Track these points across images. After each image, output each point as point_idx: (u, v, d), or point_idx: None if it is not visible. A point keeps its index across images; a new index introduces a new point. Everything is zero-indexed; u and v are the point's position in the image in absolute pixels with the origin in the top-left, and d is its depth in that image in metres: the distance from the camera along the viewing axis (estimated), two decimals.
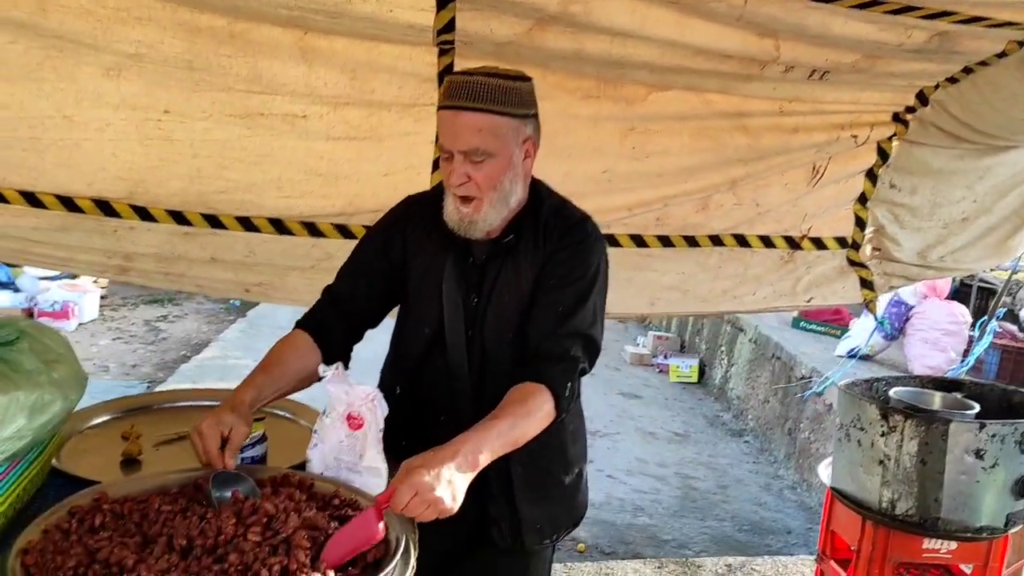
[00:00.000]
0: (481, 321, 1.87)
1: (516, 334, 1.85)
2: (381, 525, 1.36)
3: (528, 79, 1.82)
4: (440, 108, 1.79)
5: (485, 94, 1.71)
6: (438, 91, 2.45)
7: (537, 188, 1.93)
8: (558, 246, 1.85)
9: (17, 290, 7.76)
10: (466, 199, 1.77)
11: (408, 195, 2.05)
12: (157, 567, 1.18)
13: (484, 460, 1.57)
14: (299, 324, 1.90)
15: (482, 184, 1.74)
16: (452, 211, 1.80)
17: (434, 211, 1.89)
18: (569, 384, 1.77)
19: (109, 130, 2.23)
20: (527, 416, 1.68)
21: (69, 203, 2.29)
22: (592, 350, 1.84)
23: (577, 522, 2.09)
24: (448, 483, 1.47)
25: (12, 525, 1.39)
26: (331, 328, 1.89)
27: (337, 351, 1.87)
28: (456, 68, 2.40)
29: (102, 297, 8.56)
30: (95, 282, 8.16)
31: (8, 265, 7.43)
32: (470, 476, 1.53)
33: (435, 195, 1.93)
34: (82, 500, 1.38)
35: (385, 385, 2.00)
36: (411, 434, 1.86)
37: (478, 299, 1.87)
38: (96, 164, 2.25)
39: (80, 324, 7.88)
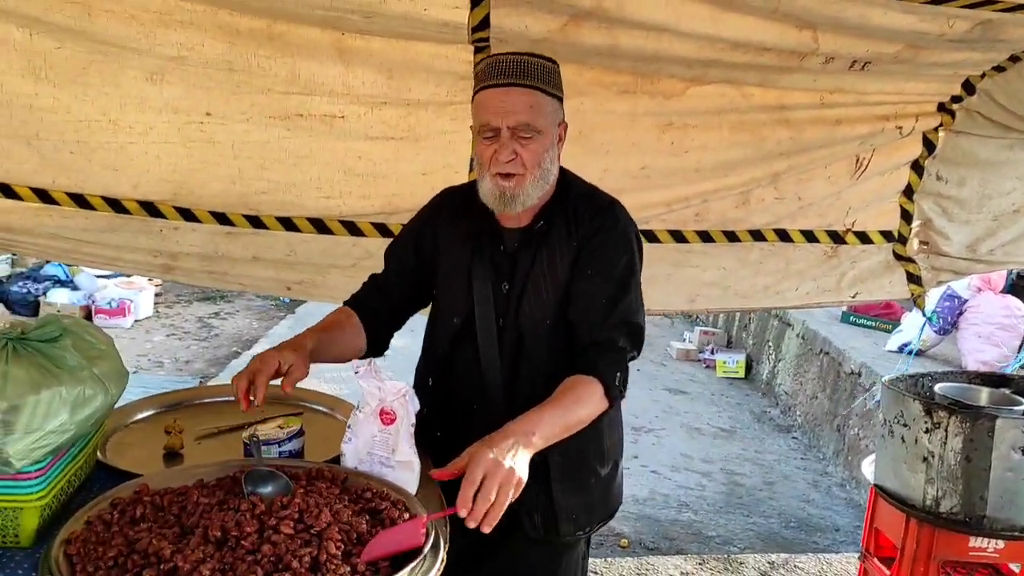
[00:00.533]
0: (515, 310, 1.89)
1: (554, 322, 1.87)
2: (423, 532, 1.37)
3: (555, 62, 1.88)
4: (484, 88, 1.81)
5: (533, 72, 1.78)
6: (474, 89, 2.47)
7: (564, 175, 1.97)
8: (590, 231, 1.87)
9: (76, 288, 7.99)
10: (507, 175, 1.79)
11: (444, 188, 2.12)
12: (193, 557, 1.21)
13: (538, 443, 1.61)
14: (347, 303, 2.02)
15: (528, 161, 1.78)
16: (491, 188, 1.81)
17: (465, 202, 1.97)
18: (618, 373, 1.80)
19: (153, 133, 2.29)
20: (578, 404, 1.72)
21: (116, 204, 2.37)
22: (637, 337, 1.87)
23: (612, 514, 2.09)
24: (513, 457, 1.51)
25: (58, 516, 1.44)
26: (375, 311, 2.00)
27: (380, 334, 2.00)
28: None
29: (157, 295, 8.77)
30: (150, 280, 8.36)
31: (67, 264, 7.67)
32: (529, 454, 1.56)
33: (469, 186, 1.98)
34: (124, 492, 1.42)
35: (418, 379, 2.06)
36: (445, 425, 1.92)
37: (510, 287, 1.90)
38: (141, 166, 2.32)
39: (136, 321, 8.09)
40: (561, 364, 1.83)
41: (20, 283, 7.86)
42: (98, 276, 8.07)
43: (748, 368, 7.91)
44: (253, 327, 8.48)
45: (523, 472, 1.52)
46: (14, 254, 7.72)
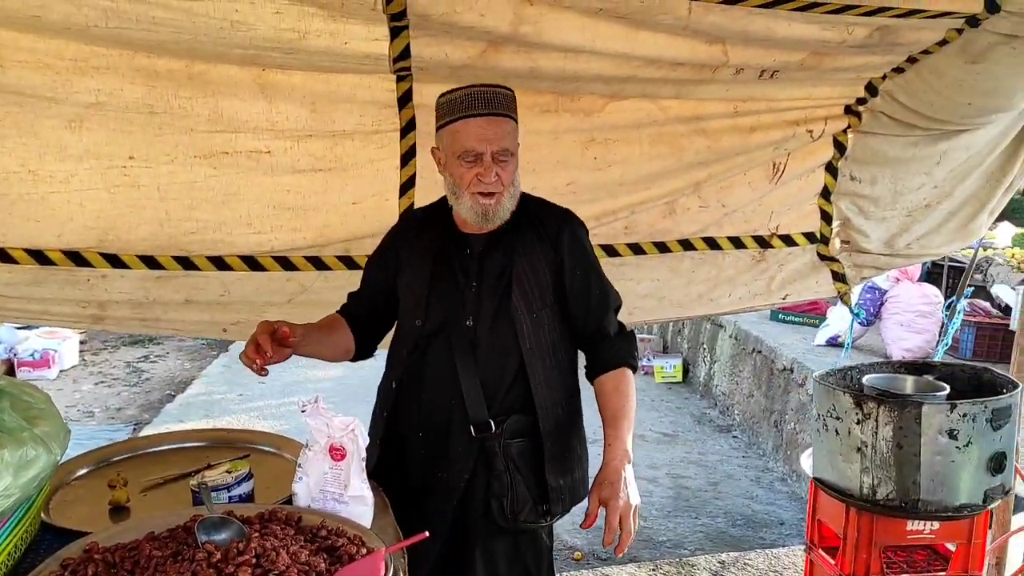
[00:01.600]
0: (493, 307, 2.07)
1: (539, 315, 2.09)
2: (382, 566, 1.38)
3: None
4: (461, 118, 2.00)
5: (505, 103, 2.03)
6: (399, 116, 2.49)
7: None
8: (557, 231, 2.13)
9: None
10: (488, 194, 2.01)
11: (408, 209, 2.43)
12: None
13: (630, 455, 1.97)
14: (338, 312, 2.26)
15: (505, 180, 2.02)
16: (473, 206, 2.03)
17: (425, 218, 2.21)
18: (634, 351, 2.19)
19: (75, 180, 2.24)
20: (630, 398, 2.08)
21: (39, 256, 2.31)
22: (619, 314, 2.23)
23: (585, 496, 2.19)
24: (630, 489, 1.90)
25: None
26: (360, 319, 2.23)
27: (366, 338, 2.25)
28: (415, 94, 2.44)
29: (81, 343, 8.51)
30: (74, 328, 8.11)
31: None
32: (631, 471, 1.94)
33: (431, 206, 2.25)
34: (74, 552, 1.39)
35: (383, 386, 2.22)
36: (424, 425, 2.09)
37: (477, 286, 2.08)
38: (64, 215, 2.27)
39: (61, 371, 7.83)
40: (544, 354, 2.09)
41: None
42: (18, 328, 7.79)
43: (685, 372, 8.06)
44: (185, 368, 8.29)
45: (637, 497, 1.91)
46: None
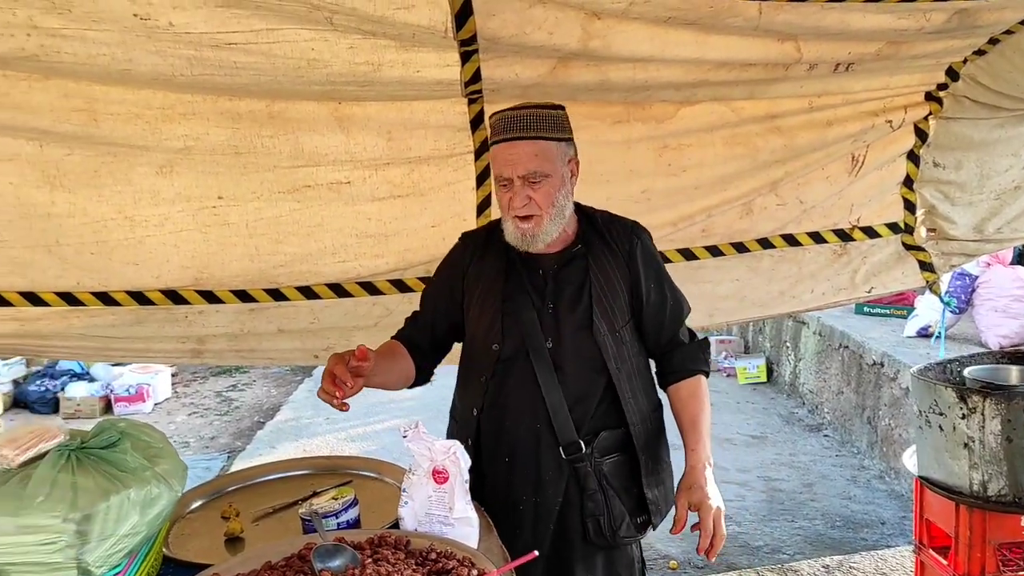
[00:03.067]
0: (573, 326, 2.04)
1: (621, 331, 2.08)
2: None
3: (562, 107, 2.08)
4: (493, 143, 2.03)
5: (533, 124, 1.99)
6: (472, 139, 2.52)
7: (580, 205, 2.19)
8: (630, 246, 2.11)
9: (92, 379, 8.02)
10: (526, 217, 2.00)
11: (464, 232, 2.30)
12: None
13: (711, 460, 2.01)
14: (394, 337, 2.21)
15: (541, 202, 1.98)
16: (513, 230, 2.03)
17: (488, 239, 2.18)
18: (707, 357, 2.19)
19: (168, 223, 2.34)
20: (706, 403, 2.11)
21: (140, 297, 2.40)
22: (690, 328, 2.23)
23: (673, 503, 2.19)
24: (717, 493, 1.93)
25: None
26: (418, 345, 2.19)
27: (424, 364, 2.19)
28: (486, 115, 2.47)
29: (173, 375, 8.78)
30: None
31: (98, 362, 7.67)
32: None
33: (488, 228, 2.24)
34: None
35: (460, 414, 2.21)
36: (511, 450, 2.07)
37: (554, 306, 2.06)
38: (161, 257, 2.36)
39: (156, 404, 8.09)
40: (629, 371, 2.09)
41: (37, 382, 7.88)
42: (113, 365, 8.09)
43: (769, 372, 7.90)
44: (272, 395, 8.48)
45: (721, 500, 1.93)
46: (48, 360, 7.76)
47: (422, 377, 2.21)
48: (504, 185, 2.01)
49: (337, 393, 1.78)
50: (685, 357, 2.16)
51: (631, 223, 2.19)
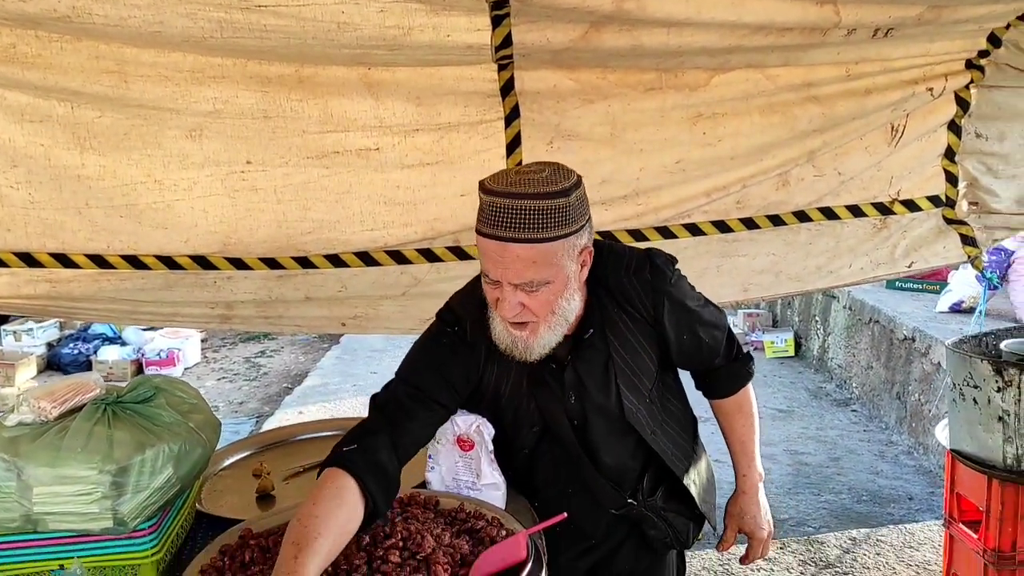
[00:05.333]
0: (597, 410, 1.83)
1: (650, 399, 1.89)
2: (525, 547, 1.40)
3: (577, 181, 1.64)
4: (480, 234, 1.62)
5: (533, 222, 1.54)
6: (502, 105, 2.49)
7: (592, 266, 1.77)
8: (653, 299, 1.79)
9: (124, 343, 8.15)
10: (519, 324, 1.65)
11: (448, 304, 1.87)
12: None
13: (762, 473, 2.03)
14: (346, 464, 1.52)
15: (538, 310, 1.62)
16: (503, 335, 1.67)
17: (486, 314, 1.75)
18: (750, 366, 2.03)
19: (197, 188, 2.34)
20: (754, 415, 2.03)
21: (169, 262, 2.41)
22: (731, 334, 2.02)
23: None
24: (766, 512, 2.02)
25: (171, 568, 1.49)
26: (383, 469, 1.54)
27: (389, 495, 1.55)
28: (517, 80, 2.44)
29: (202, 341, 8.90)
30: None
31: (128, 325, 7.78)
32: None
33: (481, 302, 1.75)
34: (230, 539, 1.46)
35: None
36: (542, 504, 1.88)
37: (576, 397, 1.81)
38: (189, 221, 2.36)
39: (186, 369, 8.22)
40: (663, 424, 1.93)
41: (71, 345, 8.03)
42: (144, 330, 8.21)
43: (797, 346, 7.85)
44: (300, 361, 8.57)
45: (771, 518, 2.04)
46: (81, 322, 7.88)
47: (375, 517, 1.52)
48: (491, 284, 1.63)
49: None
50: (727, 377, 2.01)
51: (649, 274, 1.79)
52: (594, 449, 1.84)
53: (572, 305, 1.68)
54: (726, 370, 2.00)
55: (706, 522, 2.10)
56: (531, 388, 1.79)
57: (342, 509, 1.42)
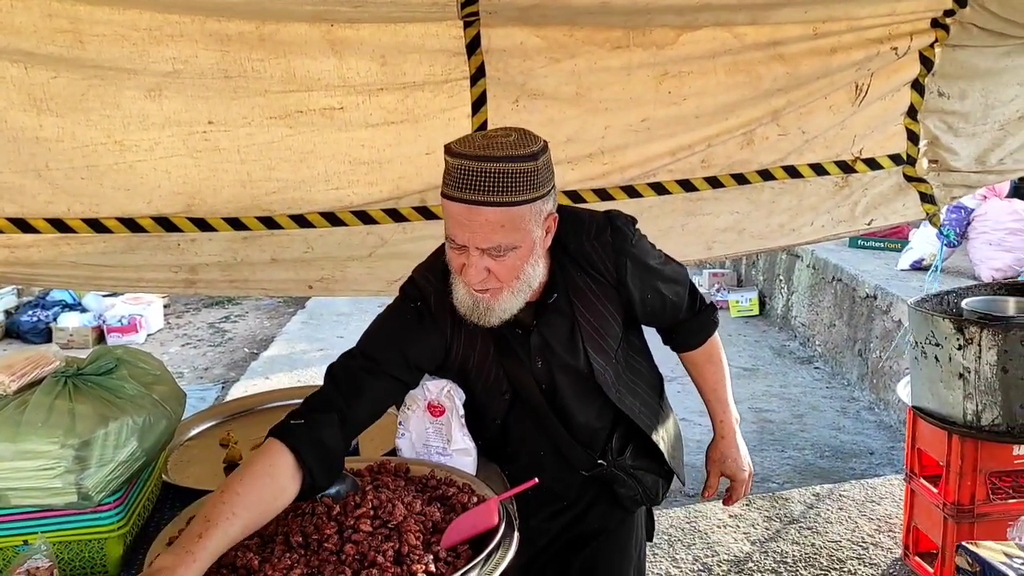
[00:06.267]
0: (565, 373, 1.83)
1: (617, 360, 1.89)
2: (497, 513, 1.40)
3: (543, 147, 1.62)
4: (446, 197, 1.58)
5: (500, 184, 1.52)
6: (468, 64, 2.46)
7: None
8: (615, 259, 1.78)
9: (84, 310, 8.01)
10: (483, 289, 1.63)
11: (412, 278, 1.83)
12: (281, 565, 1.24)
13: (738, 418, 2.10)
14: (286, 438, 1.51)
15: (503, 276, 1.60)
16: (465, 298, 1.65)
17: (448, 283, 1.72)
18: (714, 316, 2.07)
19: (159, 148, 2.29)
20: (723, 363, 2.09)
21: (131, 224, 2.36)
22: (694, 287, 2.03)
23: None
24: (746, 456, 2.08)
25: (138, 541, 1.47)
26: (324, 445, 1.52)
27: (331, 470, 1.53)
28: (483, 38, 2.41)
29: (165, 306, 8.77)
30: None
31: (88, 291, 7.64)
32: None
33: (444, 272, 1.73)
34: (198, 509, 1.45)
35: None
36: (515, 470, 1.88)
37: (542, 361, 1.80)
38: (152, 182, 2.32)
39: (149, 335, 8.11)
40: (631, 383, 1.94)
41: (29, 312, 7.87)
42: (105, 296, 8.08)
43: (762, 304, 7.94)
44: (265, 326, 8.50)
45: (750, 461, 2.11)
46: (39, 288, 7.71)
47: (312, 491, 1.50)
48: (456, 248, 1.60)
49: None
50: (692, 330, 2.04)
51: (610, 240, 1.78)
52: (564, 411, 1.85)
53: (536, 271, 1.67)
54: (691, 323, 2.03)
55: (675, 478, 2.11)
56: (498, 355, 1.78)
57: (269, 488, 1.41)
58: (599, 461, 1.92)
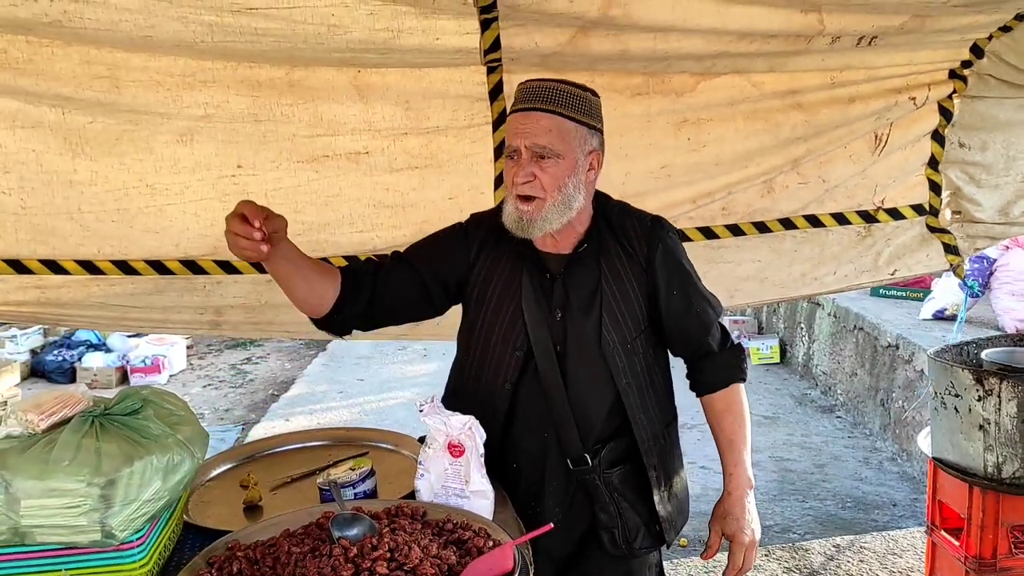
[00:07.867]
0: (578, 333, 1.89)
1: (633, 343, 1.92)
2: (512, 557, 1.40)
3: (597, 95, 1.92)
4: (512, 111, 1.89)
5: (557, 98, 1.82)
6: (490, 110, 2.50)
7: (599, 199, 2.01)
8: (649, 246, 1.93)
9: (109, 350, 8.08)
10: (527, 198, 1.82)
11: (473, 213, 2.12)
12: None
13: (752, 480, 1.95)
14: (343, 269, 1.96)
15: (547, 184, 1.80)
16: (511, 211, 1.85)
17: (500, 233, 1.95)
18: (742, 363, 2.03)
19: (188, 192, 2.34)
20: (744, 416, 1.99)
21: (159, 266, 2.41)
22: (724, 326, 2.06)
23: (688, 513, 2.13)
24: (753, 521, 1.91)
25: None
26: (359, 288, 1.92)
27: (348, 310, 1.92)
28: (506, 84, 2.45)
29: (188, 347, 8.84)
30: None
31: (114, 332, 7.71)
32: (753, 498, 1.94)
33: (497, 212, 1.98)
34: (218, 550, 1.45)
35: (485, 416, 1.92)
36: (519, 456, 1.95)
37: (562, 314, 1.90)
38: (180, 226, 2.37)
39: (171, 376, 8.15)
40: (640, 385, 1.94)
41: (55, 352, 7.95)
42: (129, 336, 8.15)
43: (783, 352, 7.88)
44: (286, 368, 8.53)
45: (759, 528, 1.93)
46: (66, 328, 7.80)
47: (335, 322, 1.95)
48: (512, 157, 1.85)
49: (256, 223, 1.60)
50: (717, 367, 2.00)
51: (651, 220, 1.97)
52: (570, 380, 1.89)
53: (577, 195, 1.85)
54: (717, 358, 2.00)
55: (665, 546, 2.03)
56: (520, 298, 1.90)
57: (327, 274, 1.89)
58: (585, 454, 1.90)
